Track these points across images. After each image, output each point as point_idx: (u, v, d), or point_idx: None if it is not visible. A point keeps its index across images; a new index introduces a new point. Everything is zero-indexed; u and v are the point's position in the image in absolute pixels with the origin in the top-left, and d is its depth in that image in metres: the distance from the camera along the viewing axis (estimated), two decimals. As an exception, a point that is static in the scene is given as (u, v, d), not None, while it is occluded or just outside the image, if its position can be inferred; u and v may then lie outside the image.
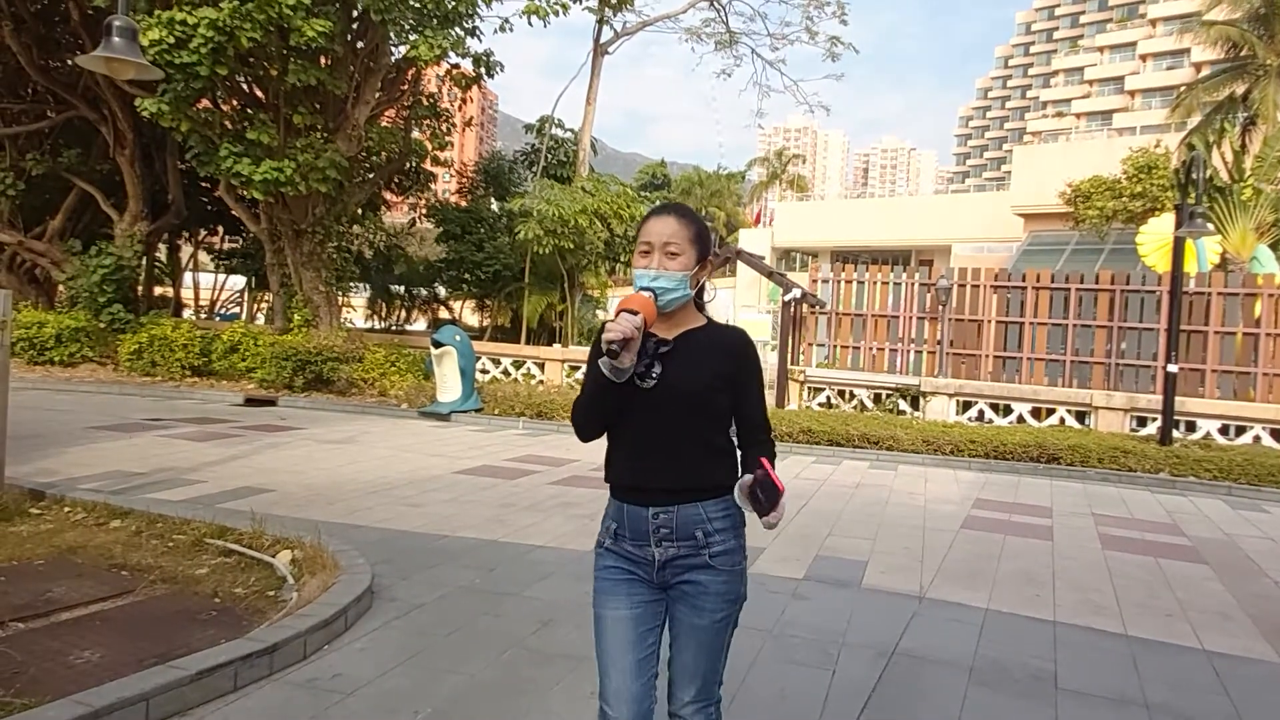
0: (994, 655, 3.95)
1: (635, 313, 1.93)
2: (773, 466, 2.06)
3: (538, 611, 4.21)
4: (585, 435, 2.15)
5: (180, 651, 3.28)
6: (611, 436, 2.15)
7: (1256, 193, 16.69)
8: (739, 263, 15.11)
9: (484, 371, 13.90)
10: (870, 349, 13.24)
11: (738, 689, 3.44)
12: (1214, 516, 7.67)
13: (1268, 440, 10.45)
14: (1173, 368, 10.05)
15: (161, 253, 17.85)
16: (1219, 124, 22.44)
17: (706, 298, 2.20)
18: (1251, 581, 5.54)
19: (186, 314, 18.10)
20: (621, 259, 17.27)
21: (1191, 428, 10.78)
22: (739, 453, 2.17)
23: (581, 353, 13.71)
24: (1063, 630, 4.36)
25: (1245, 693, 3.68)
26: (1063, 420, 11.39)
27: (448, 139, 14.97)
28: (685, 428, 2.06)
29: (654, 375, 2.05)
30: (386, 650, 3.65)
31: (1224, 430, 10.74)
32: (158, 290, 17.67)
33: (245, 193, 12.13)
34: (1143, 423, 11.04)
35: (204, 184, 15.97)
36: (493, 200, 19.70)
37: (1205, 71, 29.80)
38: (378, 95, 13.18)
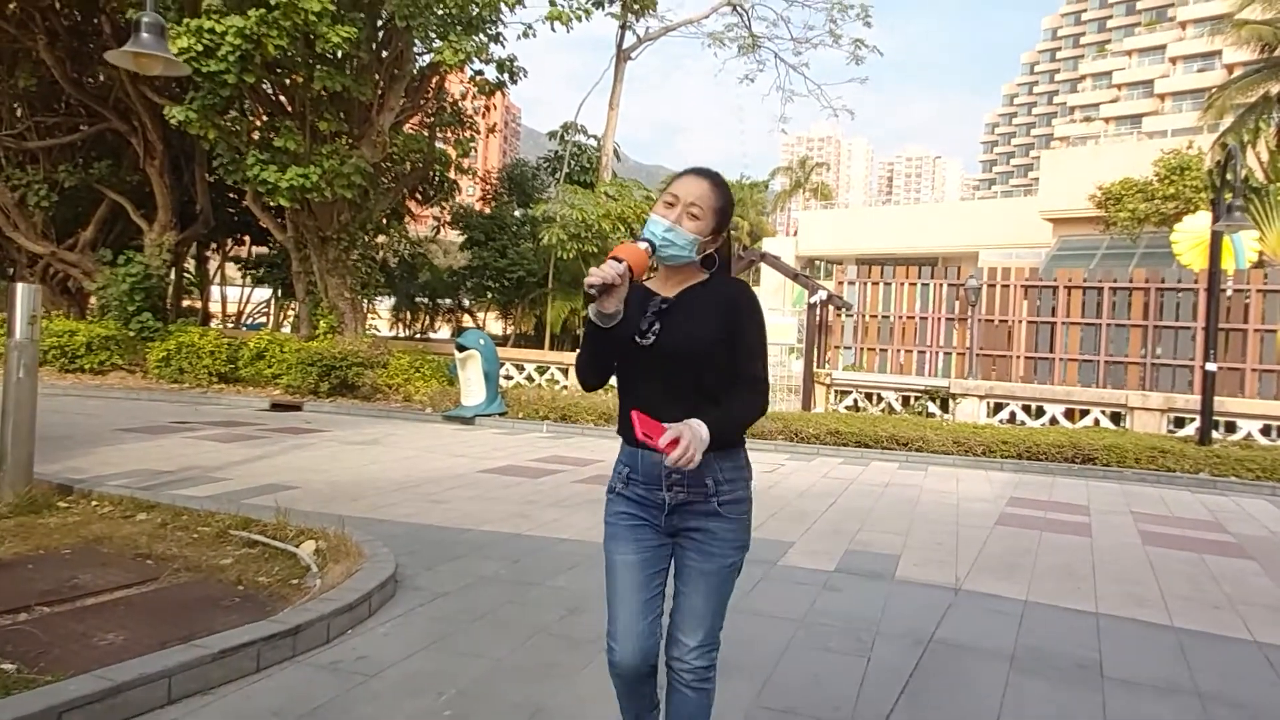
0: (1035, 644, 3.81)
1: (621, 260, 1.91)
2: (738, 419, 2.00)
3: (564, 600, 4.13)
4: (584, 383, 2.17)
5: (203, 634, 3.25)
6: (620, 392, 2.16)
7: (1293, 191, 16.33)
8: (764, 266, 14.99)
9: (508, 378, 13.88)
10: (898, 352, 13.03)
11: (770, 674, 3.33)
12: (1258, 515, 7.43)
13: (1312, 440, 10.14)
14: (1211, 366, 9.78)
15: (190, 265, 18.09)
16: (1253, 124, 21.96)
17: (711, 266, 2.16)
18: (1302, 576, 5.33)
19: (214, 324, 18.30)
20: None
21: (1231, 428, 10.48)
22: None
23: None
24: (1105, 621, 4.21)
25: (1303, 683, 3.51)
26: (1097, 421, 11.13)
27: (471, 145, 15.03)
28: (687, 382, 2.04)
29: (653, 333, 2.06)
30: (411, 635, 3.59)
31: (1265, 431, 10.43)
32: (186, 302, 17.89)
33: (271, 200, 12.23)
34: (1180, 423, 10.76)
35: (231, 194, 16.15)
36: (516, 206, 19.75)
37: (1238, 72, 29.28)
38: (402, 101, 13.27)
